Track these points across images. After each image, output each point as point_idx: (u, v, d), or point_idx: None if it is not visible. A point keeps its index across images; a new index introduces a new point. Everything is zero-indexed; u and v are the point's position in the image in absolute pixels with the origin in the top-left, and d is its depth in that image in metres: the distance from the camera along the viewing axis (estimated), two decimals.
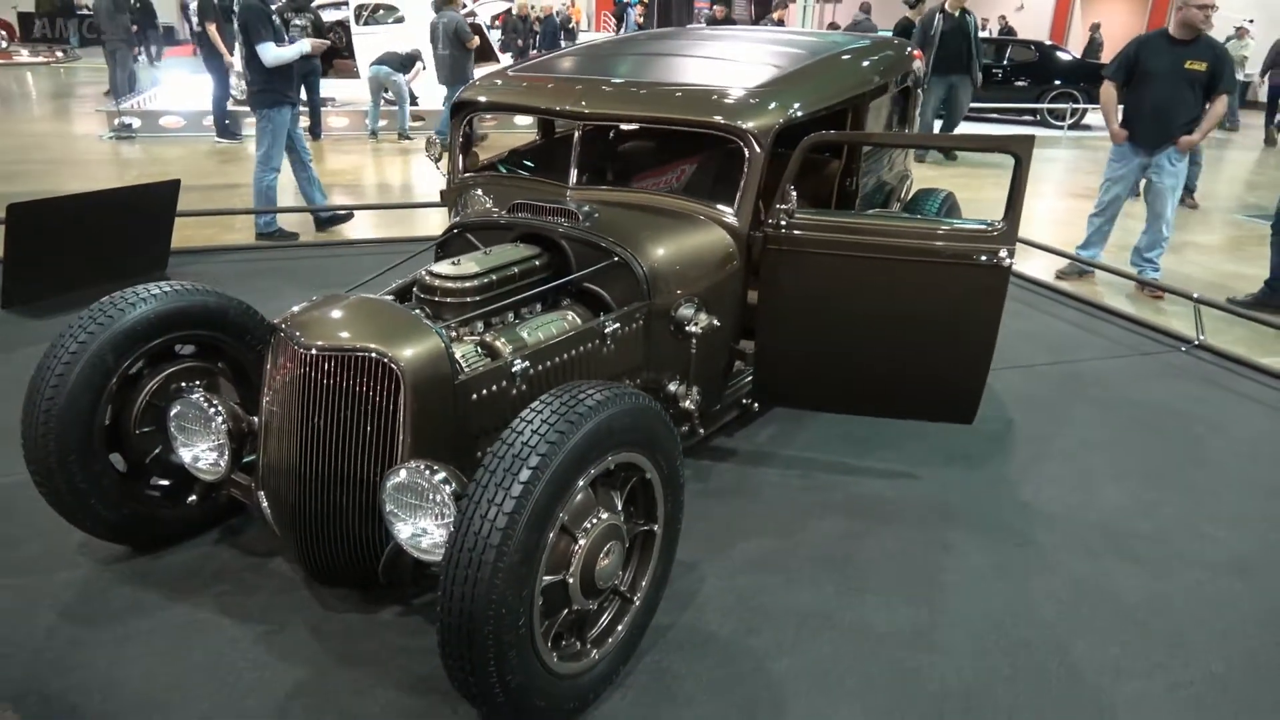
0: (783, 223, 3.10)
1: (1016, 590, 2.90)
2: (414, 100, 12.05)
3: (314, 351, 2.40)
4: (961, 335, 3.15)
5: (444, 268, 2.84)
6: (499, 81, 3.77)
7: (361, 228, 7.22)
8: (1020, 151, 2.96)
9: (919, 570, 2.98)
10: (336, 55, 13.33)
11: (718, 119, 3.16)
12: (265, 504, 2.62)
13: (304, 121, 11.09)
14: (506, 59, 13.22)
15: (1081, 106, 14.24)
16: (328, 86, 11.84)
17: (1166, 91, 5.56)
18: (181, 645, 2.54)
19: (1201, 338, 4.99)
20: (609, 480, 2.28)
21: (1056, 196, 9.44)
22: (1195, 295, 5.17)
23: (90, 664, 2.46)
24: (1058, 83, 14.64)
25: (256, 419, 2.65)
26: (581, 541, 2.17)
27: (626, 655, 2.44)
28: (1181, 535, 3.24)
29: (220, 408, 2.61)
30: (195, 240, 6.42)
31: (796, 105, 3.31)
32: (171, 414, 2.64)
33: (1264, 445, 3.95)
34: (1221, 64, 5.52)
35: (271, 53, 6.21)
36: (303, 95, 10.84)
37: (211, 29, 10.00)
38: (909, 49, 4.54)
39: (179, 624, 2.63)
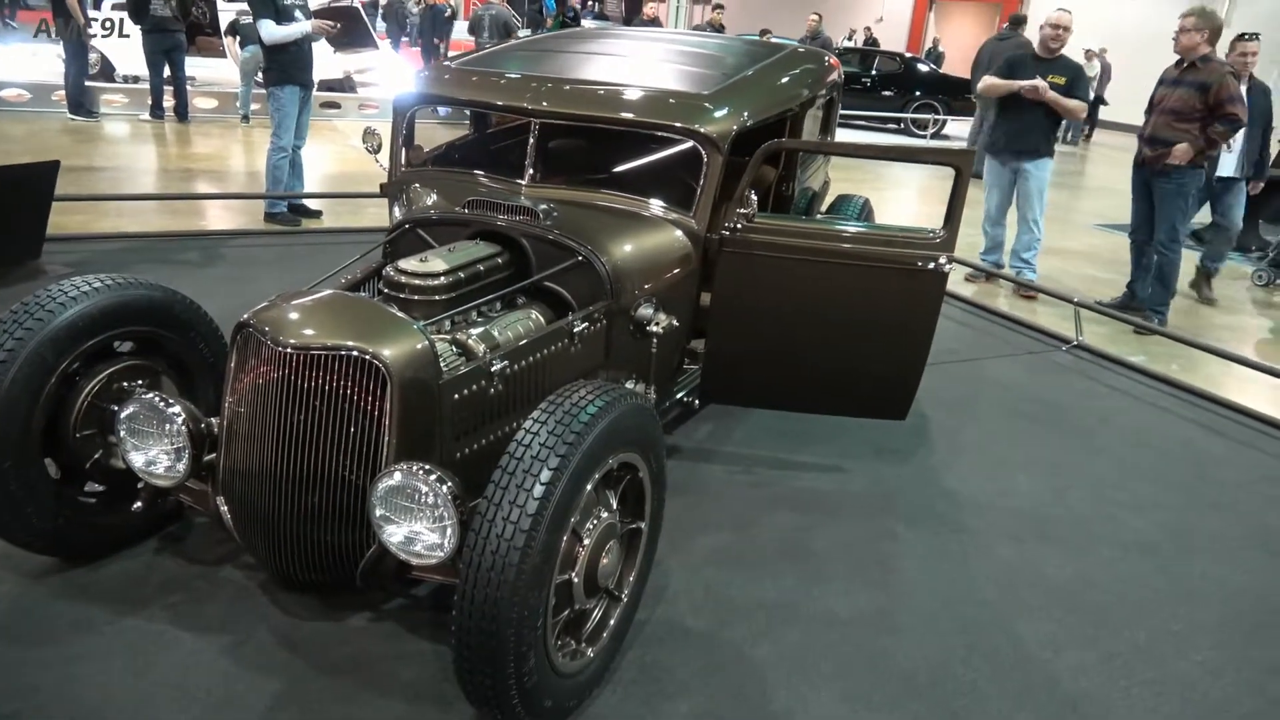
0: (739, 226, 3.20)
1: (959, 573, 3.10)
2: None
3: (289, 350, 2.31)
4: (901, 336, 3.34)
5: (411, 264, 2.77)
6: (446, 75, 3.70)
7: (218, 219, 6.88)
8: (960, 164, 3.17)
9: (869, 558, 3.14)
10: (199, 32, 12.58)
11: (678, 123, 3.22)
12: (225, 509, 2.51)
13: (169, 100, 10.46)
14: (385, 45, 12.82)
15: (942, 117, 15.11)
16: (191, 65, 11.14)
17: (1030, 102, 6.18)
18: (140, 661, 2.40)
19: (1080, 338, 5.44)
20: (605, 480, 2.30)
21: (938, 204, 9.95)
22: (1076, 299, 5.64)
23: (41, 687, 2.29)
24: (918, 94, 15.47)
25: (215, 420, 2.52)
26: (586, 541, 2.19)
27: (614, 651, 2.47)
28: (1091, 519, 3.54)
29: (179, 408, 2.46)
30: (67, 227, 5.96)
31: (747, 113, 3.40)
32: (123, 415, 2.47)
33: (1148, 435, 4.36)
34: (1078, 79, 6.33)
35: (267, 30, 6.13)
36: (166, 73, 10.25)
37: None
38: (827, 59, 4.72)
39: (133, 639, 2.47)
